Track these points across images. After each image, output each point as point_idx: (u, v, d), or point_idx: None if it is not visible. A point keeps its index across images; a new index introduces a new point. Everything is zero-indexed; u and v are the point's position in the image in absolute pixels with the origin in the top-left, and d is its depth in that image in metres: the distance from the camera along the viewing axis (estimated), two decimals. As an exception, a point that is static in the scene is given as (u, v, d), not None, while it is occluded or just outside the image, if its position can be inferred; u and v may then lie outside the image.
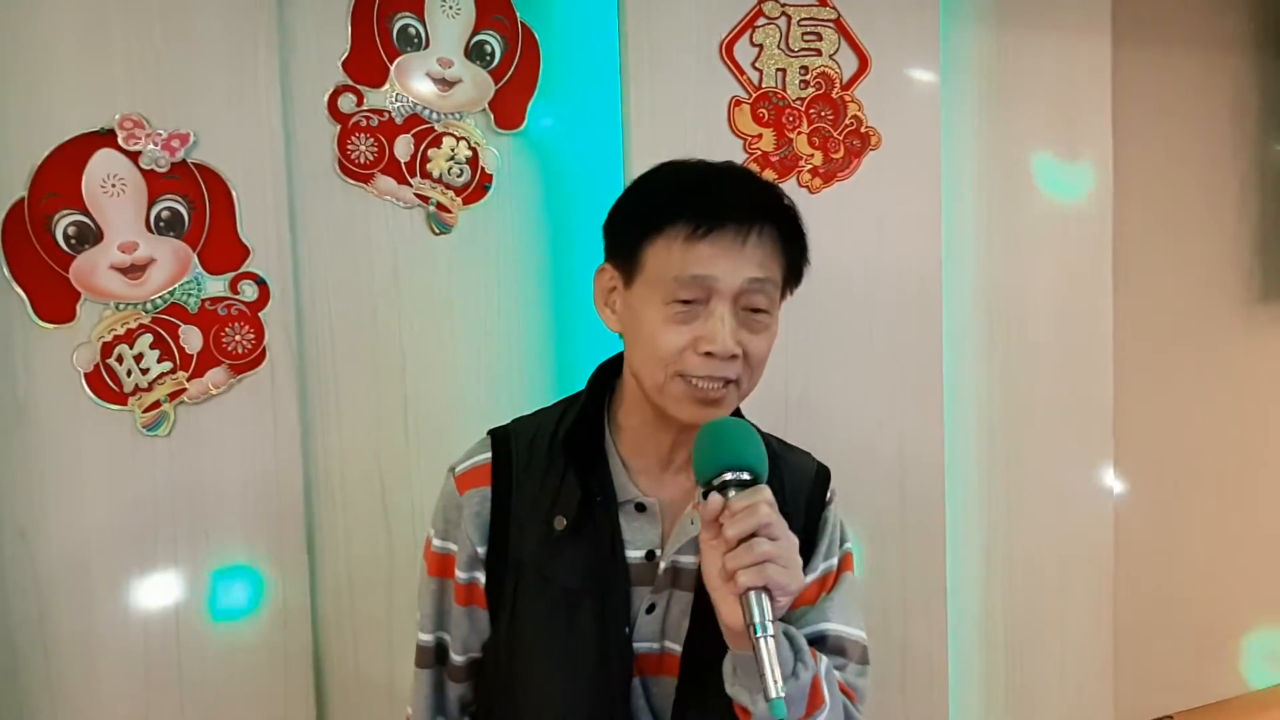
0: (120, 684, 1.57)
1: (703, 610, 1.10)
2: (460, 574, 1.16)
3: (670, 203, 1.08)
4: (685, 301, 1.06)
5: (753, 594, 0.94)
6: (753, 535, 0.96)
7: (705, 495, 1.00)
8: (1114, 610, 2.30)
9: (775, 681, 0.91)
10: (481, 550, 1.15)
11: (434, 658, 1.21)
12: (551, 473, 1.15)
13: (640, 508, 1.15)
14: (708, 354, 1.05)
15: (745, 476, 0.99)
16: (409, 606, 1.24)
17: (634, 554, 1.14)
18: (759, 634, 0.93)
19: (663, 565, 1.13)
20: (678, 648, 1.13)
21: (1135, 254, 2.32)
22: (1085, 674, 2.30)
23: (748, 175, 1.15)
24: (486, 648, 1.19)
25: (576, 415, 1.17)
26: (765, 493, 0.98)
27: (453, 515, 1.17)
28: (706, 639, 1.09)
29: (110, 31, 1.53)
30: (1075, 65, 2.16)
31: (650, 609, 1.14)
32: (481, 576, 1.16)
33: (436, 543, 1.19)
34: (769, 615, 0.94)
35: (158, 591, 1.58)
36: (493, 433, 1.20)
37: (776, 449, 1.19)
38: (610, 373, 1.21)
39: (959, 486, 2.14)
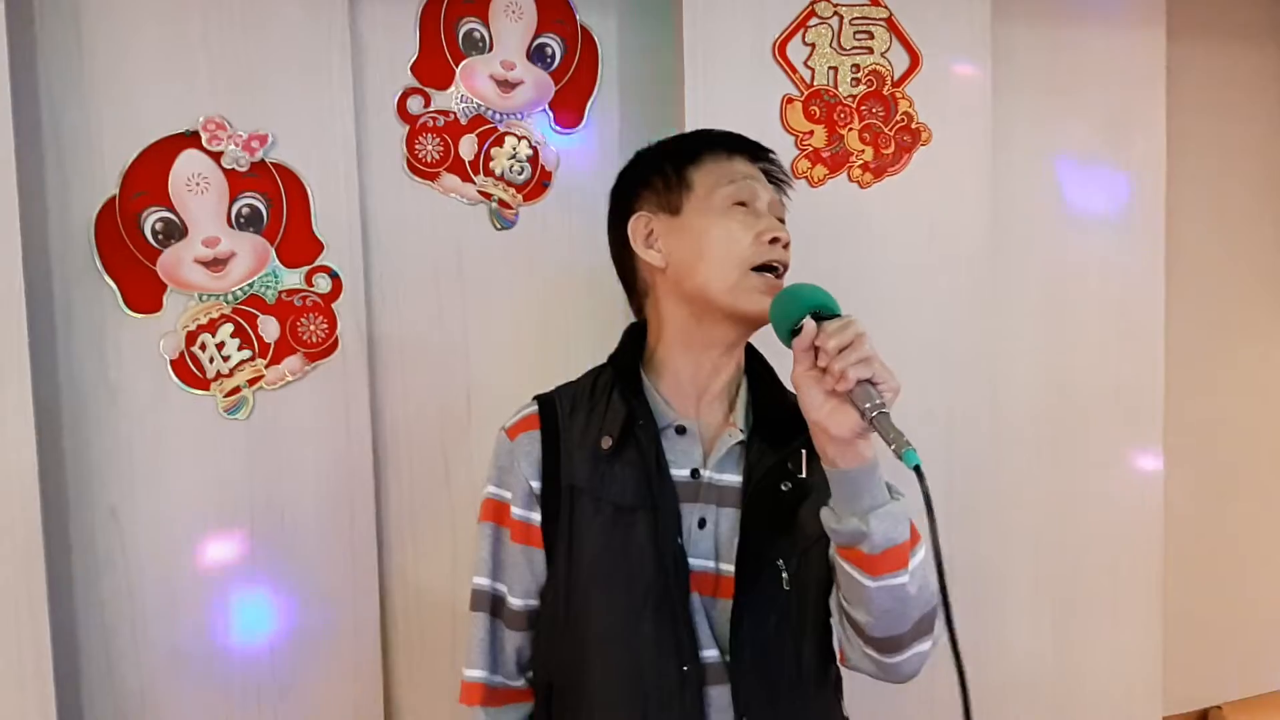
0: (201, 649, 1.67)
1: (751, 517, 1.19)
2: (516, 512, 1.24)
3: (698, 139, 1.29)
4: (741, 204, 1.22)
5: (863, 385, 1.03)
6: (853, 342, 1.04)
7: (792, 336, 1.09)
8: (1164, 599, 2.32)
9: (901, 440, 0.99)
10: (536, 485, 1.23)
11: (488, 603, 1.27)
12: (595, 408, 1.25)
13: (681, 430, 1.23)
14: (773, 240, 1.21)
15: (822, 311, 1.09)
16: (470, 576, 1.31)
17: (679, 472, 1.22)
18: (876, 413, 1.01)
19: (706, 478, 1.22)
20: (730, 568, 1.19)
21: (1188, 248, 2.33)
22: (1134, 663, 2.32)
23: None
24: (544, 593, 1.25)
25: (618, 350, 1.31)
26: (853, 318, 1.08)
27: (505, 462, 1.26)
28: (757, 549, 1.18)
29: (194, 40, 1.63)
30: (1129, 60, 2.18)
31: (701, 523, 1.21)
32: (537, 515, 1.24)
33: (491, 490, 1.27)
34: (881, 401, 1.02)
35: (236, 565, 1.68)
36: (536, 397, 1.30)
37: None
38: (638, 333, 1.31)
39: (1008, 474, 2.17)
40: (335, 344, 1.72)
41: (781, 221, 1.27)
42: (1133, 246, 2.21)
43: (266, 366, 1.68)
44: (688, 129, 1.81)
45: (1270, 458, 2.53)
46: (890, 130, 1.94)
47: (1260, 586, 2.52)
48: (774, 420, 1.25)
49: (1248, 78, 2.40)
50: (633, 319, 1.35)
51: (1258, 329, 2.47)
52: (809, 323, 1.07)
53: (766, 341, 1.21)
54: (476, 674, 1.27)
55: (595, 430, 1.23)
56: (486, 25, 1.80)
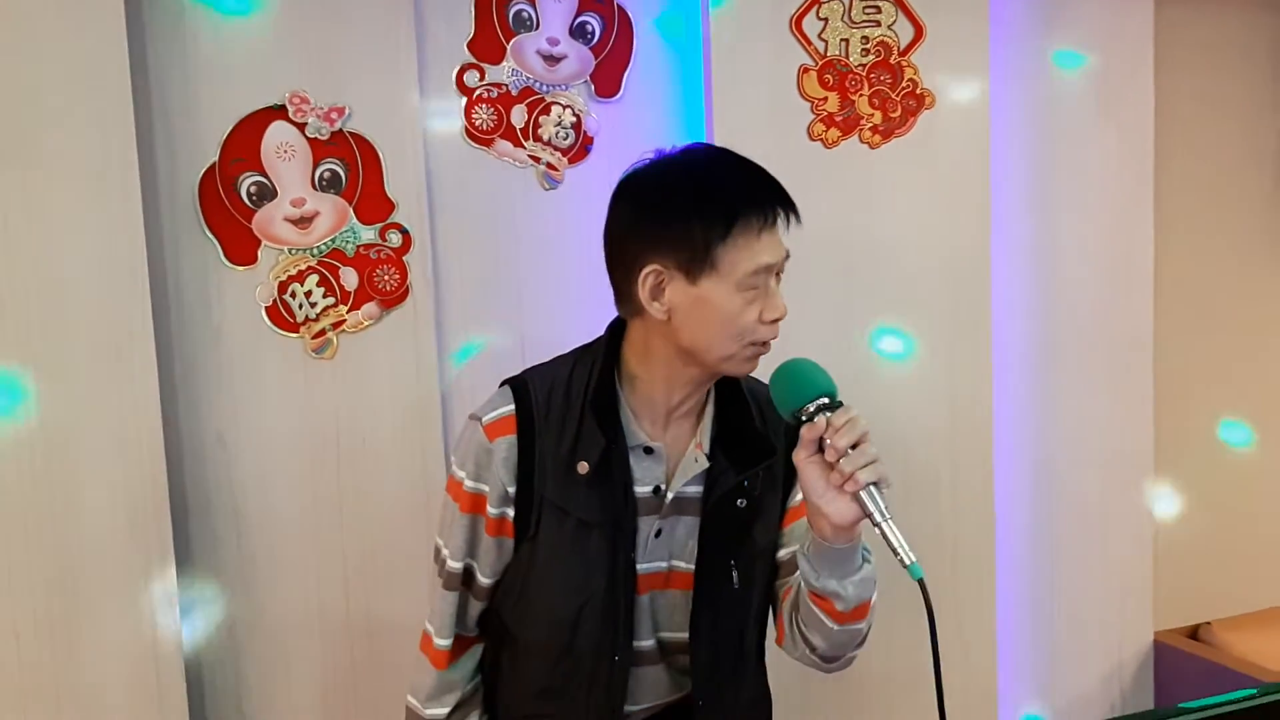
0: (297, 557, 1.92)
1: (709, 529, 1.33)
2: (492, 510, 1.33)
3: (731, 205, 1.23)
4: (755, 287, 1.24)
5: (870, 489, 1.14)
6: (860, 441, 1.15)
7: (799, 422, 1.19)
8: (1154, 524, 2.53)
9: (908, 552, 1.10)
10: (511, 489, 1.31)
11: (461, 582, 1.37)
12: (570, 421, 1.31)
13: (648, 450, 1.32)
14: (773, 321, 1.26)
15: (828, 400, 1.18)
16: None
17: (642, 490, 1.32)
18: (884, 519, 1.13)
19: (669, 496, 1.33)
20: (684, 564, 1.35)
21: (1177, 210, 2.52)
22: (1127, 583, 2.54)
23: (757, 166, 1.29)
24: (508, 567, 1.37)
25: (598, 376, 1.32)
26: (855, 410, 1.17)
27: (483, 460, 1.32)
28: (714, 556, 1.33)
29: (280, 24, 1.85)
30: (1118, 25, 2.37)
31: (658, 533, 1.34)
32: (511, 511, 1.33)
33: (469, 484, 1.33)
34: (884, 504, 1.14)
35: (324, 484, 1.92)
36: (511, 385, 1.35)
37: (755, 388, 1.37)
38: (620, 330, 1.35)
39: (1006, 406, 2.37)
40: (406, 292, 1.95)
41: (779, 276, 1.28)
42: (1122, 191, 2.40)
43: (348, 312, 1.92)
44: (715, 97, 2.04)
45: (1254, 402, 2.73)
46: (897, 96, 2.15)
47: (1247, 512, 2.73)
48: (739, 442, 1.35)
49: (1235, 42, 2.58)
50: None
51: (1243, 289, 2.66)
52: (819, 416, 1.17)
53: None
54: (445, 642, 1.38)
55: (568, 448, 1.30)
56: (534, 6, 2.01)
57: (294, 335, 1.90)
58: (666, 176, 1.29)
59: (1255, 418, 2.74)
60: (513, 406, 1.33)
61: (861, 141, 2.14)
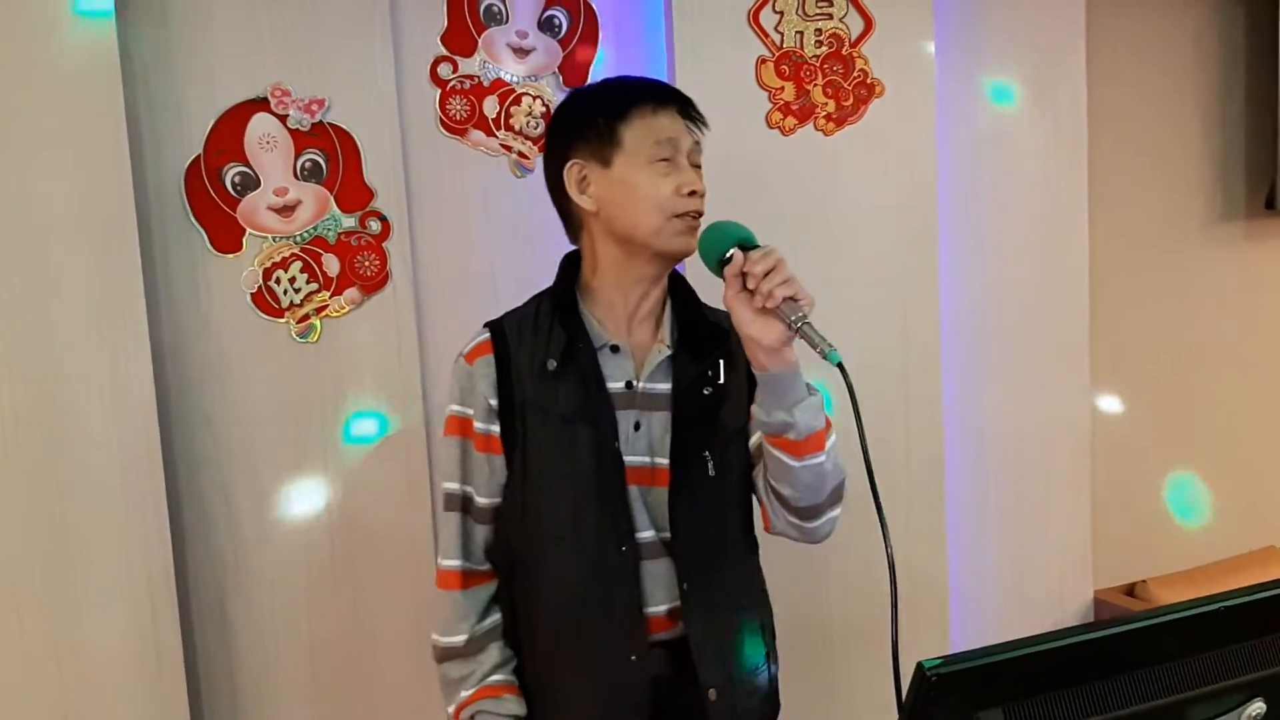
0: (283, 532, 2.00)
1: (681, 423, 1.44)
2: (478, 426, 1.45)
3: (628, 94, 1.44)
4: (664, 160, 1.40)
5: (788, 302, 1.27)
6: (775, 267, 1.29)
7: (722, 266, 1.33)
8: (1092, 490, 2.69)
9: (827, 342, 1.23)
10: (494, 402, 1.44)
11: (459, 504, 1.47)
12: (539, 332, 1.45)
13: (615, 349, 1.45)
14: (691, 193, 1.41)
15: (746, 244, 1.33)
16: None
17: (614, 385, 1.44)
18: (801, 324, 1.26)
19: (640, 388, 1.45)
20: (664, 460, 1.44)
21: (1109, 181, 2.68)
22: (1068, 544, 2.70)
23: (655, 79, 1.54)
24: (505, 489, 1.47)
25: (555, 284, 1.50)
26: (772, 247, 1.32)
27: (466, 384, 1.46)
28: (687, 444, 1.43)
29: (260, 19, 1.92)
30: (1052, 17, 2.51)
31: (637, 426, 1.45)
32: (496, 427, 1.44)
33: (455, 408, 1.47)
34: (803, 314, 1.27)
35: (309, 462, 2.01)
36: (488, 323, 1.50)
37: (722, 319, 1.46)
38: (573, 261, 1.52)
39: (953, 386, 2.52)
40: (386, 277, 2.03)
41: (698, 167, 1.45)
42: (1058, 176, 2.55)
43: (330, 297, 2.00)
44: (678, 87, 2.14)
45: (1183, 363, 2.90)
46: (849, 85, 2.27)
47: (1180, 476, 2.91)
48: (696, 336, 1.48)
49: (1161, 29, 2.74)
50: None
51: (1172, 250, 2.83)
52: (737, 253, 1.31)
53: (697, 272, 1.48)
54: (453, 563, 1.47)
55: (541, 353, 1.43)
56: (503, 1, 2.10)
57: (279, 320, 1.98)
58: (577, 95, 1.55)
59: (1180, 392, 2.91)
60: (488, 333, 1.48)
61: (816, 129, 2.26)
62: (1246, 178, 2.83)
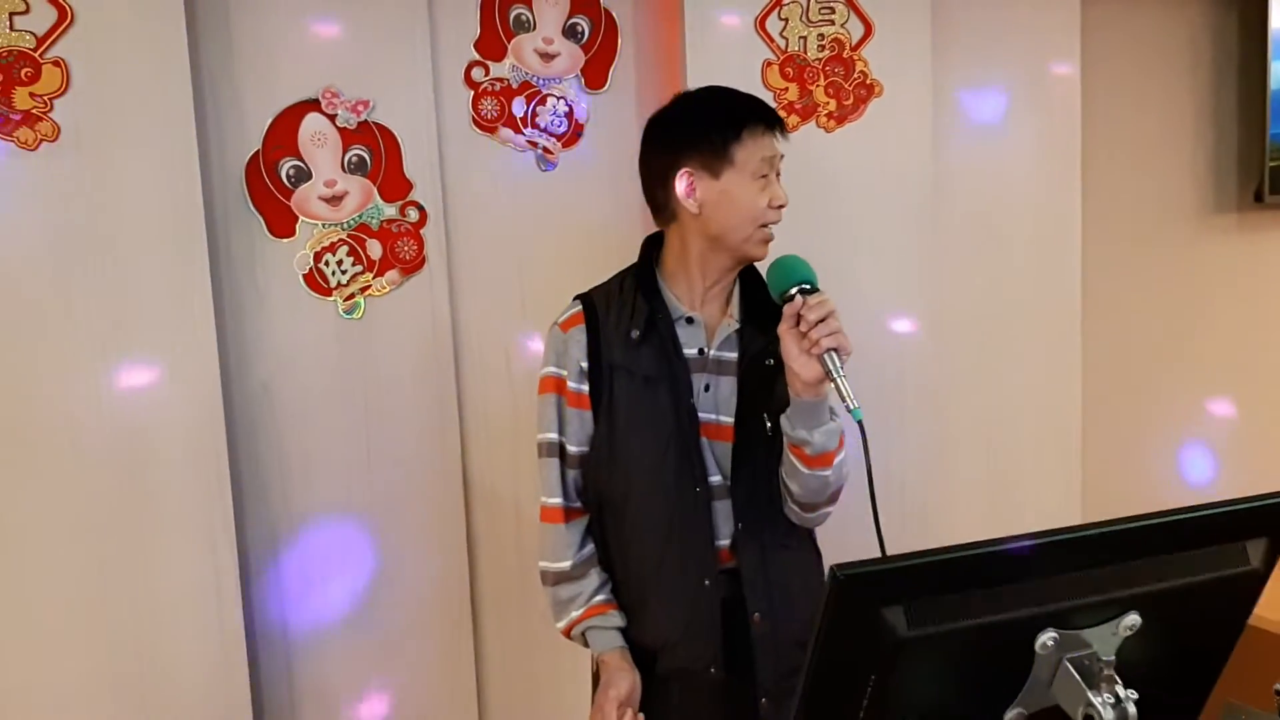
0: (330, 487, 2.24)
1: (745, 388, 1.67)
2: (571, 384, 1.69)
3: (740, 113, 1.66)
4: (763, 175, 1.64)
5: (830, 353, 1.49)
6: (826, 317, 1.50)
7: (784, 301, 1.54)
8: (1082, 483, 2.84)
9: (853, 399, 1.45)
10: (585, 364, 1.68)
11: (557, 451, 1.72)
12: (624, 305, 1.69)
13: (690, 320, 1.69)
14: (779, 207, 1.65)
15: (808, 286, 1.55)
16: (530, 432, 1.79)
17: (689, 351, 1.69)
18: (838, 376, 1.47)
19: (711, 355, 1.69)
20: (727, 419, 1.68)
21: (1103, 176, 2.82)
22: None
23: (752, 95, 1.74)
24: (593, 441, 1.70)
25: (639, 264, 1.73)
26: (826, 295, 1.54)
27: (560, 348, 1.71)
28: (749, 405, 1.66)
29: (313, 27, 2.15)
30: (1049, 19, 2.66)
31: (707, 388, 1.69)
32: (586, 387, 1.69)
33: (551, 370, 1.72)
34: (841, 365, 1.49)
35: (354, 425, 2.24)
36: (578, 296, 1.76)
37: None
38: (653, 242, 1.75)
39: (947, 372, 2.66)
40: (423, 261, 2.25)
41: (779, 174, 1.69)
42: (1051, 172, 2.70)
43: (373, 278, 2.23)
44: (687, 87, 2.33)
45: (1182, 351, 3.04)
46: (850, 86, 2.45)
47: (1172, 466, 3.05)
48: (762, 313, 1.69)
49: (1155, 30, 2.88)
50: (645, 230, 1.82)
51: (1166, 240, 2.97)
52: (798, 296, 1.52)
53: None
54: (555, 500, 1.72)
55: (626, 322, 1.68)
56: (531, 10, 2.31)
57: (328, 298, 2.21)
58: (687, 105, 1.73)
59: (1171, 381, 3.05)
60: (580, 306, 1.73)
61: (818, 126, 2.45)
62: (1238, 172, 2.96)
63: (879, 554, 1.36)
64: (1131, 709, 1.06)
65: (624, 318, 1.69)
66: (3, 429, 1.95)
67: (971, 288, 2.70)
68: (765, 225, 1.66)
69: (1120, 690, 1.07)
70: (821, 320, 1.50)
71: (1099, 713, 1.06)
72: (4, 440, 1.95)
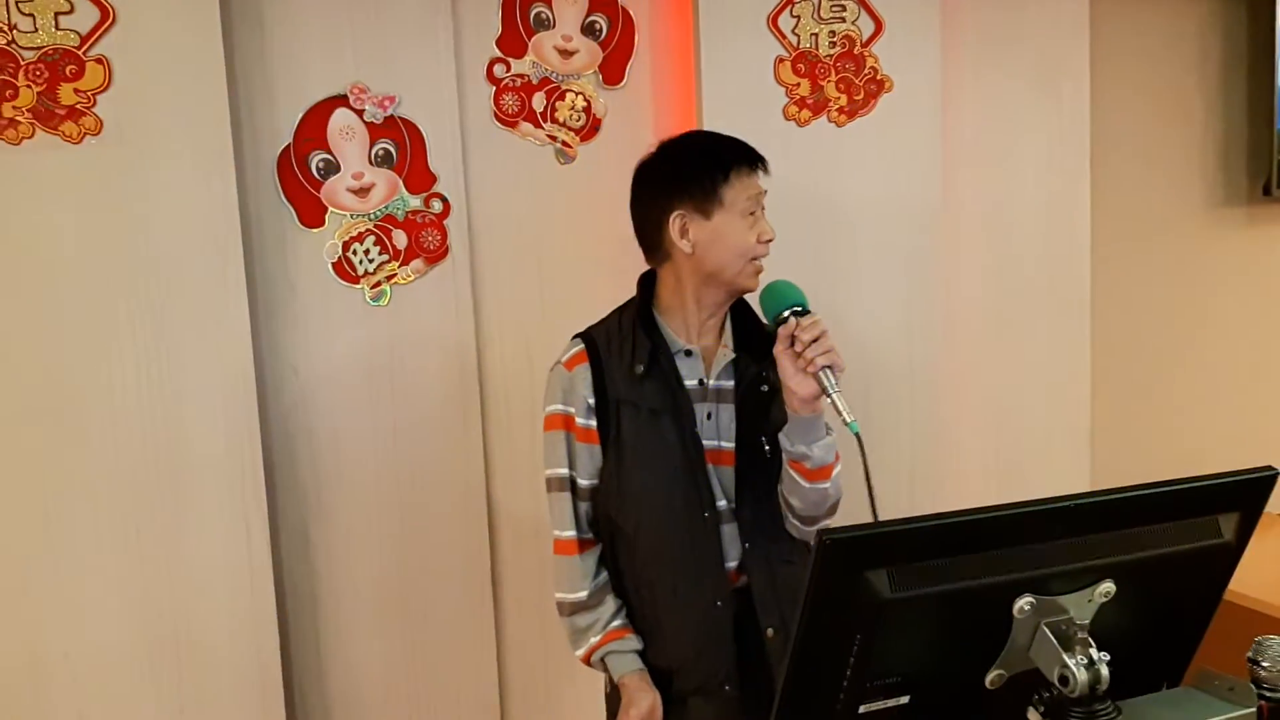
0: (358, 468, 2.33)
1: (744, 413, 1.76)
2: (579, 421, 1.77)
3: (726, 157, 1.75)
4: (751, 213, 1.73)
5: (825, 370, 1.58)
6: (819, 337, 1.60)
7: (779, 324, 1.64)
8: (1091, 476, 2.89)
9: (849, 413, 1.54)
10: (591, 401, 1.76)
11: (568, 485, 1.79)
12: (626, 342, 1.77)
13: (688, 353, 1.78)
14: (767, 241, 1.75)
15: (800, 309, 1.65)
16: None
17: (690, 382, 1.77)
18: (834, 391, 1.57)
19: (711, 385, 1.78)
20: (728, 444, 1.77)
21: (1112, 169, 2.87)
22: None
23: (733, 137, 1.82)
24: (601, 473, 1.78)
25: (639, 304, 1.80)
26: (819, 316, 1.64)
27: (567, 386, 1.78)
28: (748, 430, 1.75)
29: (342, 28, 2.24)
30: (1057, 16, 2.71)
31: (709, 416, 1.78)
32: (594, 422, 1.76)
33: (558, 407, 1.79)
34: (835, 382, 1.58)
35: (380, 405, 2.33)
36: (579, 335, 1.82)
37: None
38: (647, 279, 1.83)
39: (956, 363, 2.71)
40: (446, 251, 2.34)
41: (763, 209, 1.78)
42: (1060, 165, 2.75)
43: (399, 267, 2.32)
44: (704, 84, 2.41)
45: (1191, 342, 3.09)
46: (860, 81, 2.52)
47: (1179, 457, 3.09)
48: (754, 341, 1.78)
49: (1164, 26, 2.92)
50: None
51: (1175, 233, 3.02)
52: (791, 319, 1.62)
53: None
54: (569, 533, 1.81)
55: (629, 358, 1.76)
56: (550, 8, 2.39)
57: (355, 286, 2.30)
58: (674, 151, 1.81)
59: (1180, 373, 3.09)
60: (582, 345, 1.81)
61: (829, 121, 2.51)
62: (1247, 165, 3.01)
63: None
64: (1104, 670, 1.13)
65: (626, 353, 1.77)
66: (48, 411, 2.06)
67: (980, 279, 2.75)
68: (755, 259, 1.75)
69: (1094, 653, 1.14)
70: (815, 340, 1.60)
71: (1073, 673, 1.13)
72: (50, 421, 2.06)
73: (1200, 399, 3.11)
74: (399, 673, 2.38)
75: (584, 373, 1.78)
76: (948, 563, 1.14)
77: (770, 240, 1.76)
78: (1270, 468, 1.25)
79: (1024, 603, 1.16)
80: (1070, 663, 1.14)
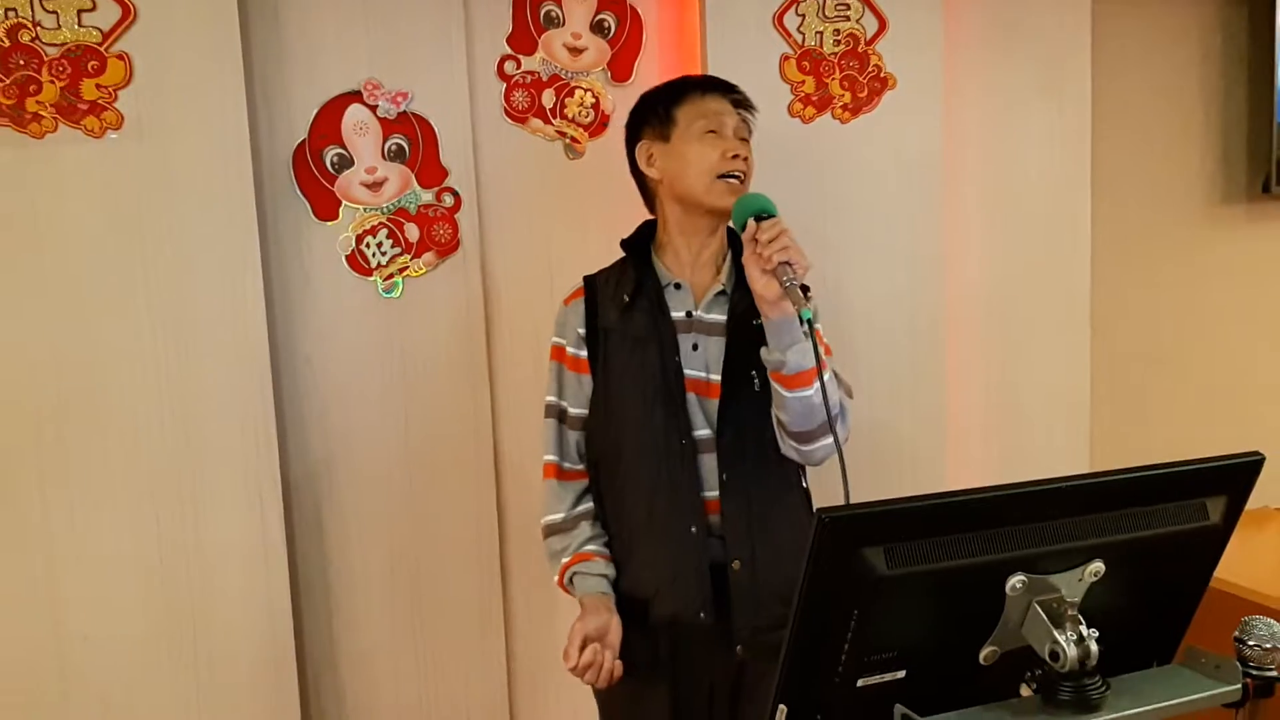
0: (369, 456, 2.38)
1: (734, 341, 1.78)
2: (570, 351, 1.88)
3: (681, 84, 1.88)
4: (711, 131, 1.78)
5: (783, 265, 1.60)
6: (778, 235, 1.62)
7: (744, 229, 1.68)
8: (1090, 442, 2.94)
9: (803, 303, 1.55)
10: (582, 331, 1.87)
11: (556, 413, 1.89)
12: (620, 276, 1.87)
13: (677, 286, 1.85)
14: (734, 156, 1.78)
15: (764, 214, 1.68)
16: None
17: (677, 314, 1.83)
18: (789, 284, 1.57)
19: (697, 316, 1.82)
20: (716, 376, 1.79)
21: (1113, 166, 2.91)
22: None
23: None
24: (591, 403, 1.86)
25: (632, 238, 1.91)
26: (781, 219, 1.67)
27: (562, 319, 1.90)
28: (738, 362, 1.78)
29: (356, 25, 2.29)
30: (1059, 15, 2.75)
31: (695, 347, 1.82)
32: (584, 352, 1.86)
33: (555, 340, 1.91)
34: (796, 276, 1.59)
35: (391, 395, 2.38)
36: (585, 276, 1.94)
37: None
38: (648, 226, 1.92)
39: (957, 356, 2.75)
40: (458, 244, 2.39)
41: (746, 139, 1.84)
42: (1061, 162, 2.79)
43: (411, 260, 2.36)
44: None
45: (1191, 338, 3.12)
46: (864, 79, 2.56)
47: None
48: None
49: (1165, 26, 2.96)
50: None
51: (1175, 231, 3.06)
52: (752, 222, 1.67)
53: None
54: (551, 457, 1.90)
55: (617, 291, 1.84)
56: (560, 6, 2.43)
57: (368, 278, 2.35)
58: (645, 94, 1.94)
59: (1180, 368, 3.13)
60: (582, 282, 1.93)
61: (834, 118, 2.56)
62: (1246, 163, 3.04)
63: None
64: (1093, 646, 1.18)
65: (617, 286, 1.86)
66: (70, 398, 2.11)
67: (982, 275, 2.80)
68: (724, 176, 1.78)
69: (1084, 630, 1.18)
70: (773, 240, 1.63)
71: (1063, 649, 1.17)
72: (71, 409, 2.11)
73: (1199, 392, 3.14)
74: (409, 655, 2.43)
75: (578, 306, 1.89)
76: (942, 541, 1.18)
77: (739, 156, 1.79)
78: (1256, 453, 1.29)
79: (1016, 581, 1.19)
80: (1060, 639, 1.18)
